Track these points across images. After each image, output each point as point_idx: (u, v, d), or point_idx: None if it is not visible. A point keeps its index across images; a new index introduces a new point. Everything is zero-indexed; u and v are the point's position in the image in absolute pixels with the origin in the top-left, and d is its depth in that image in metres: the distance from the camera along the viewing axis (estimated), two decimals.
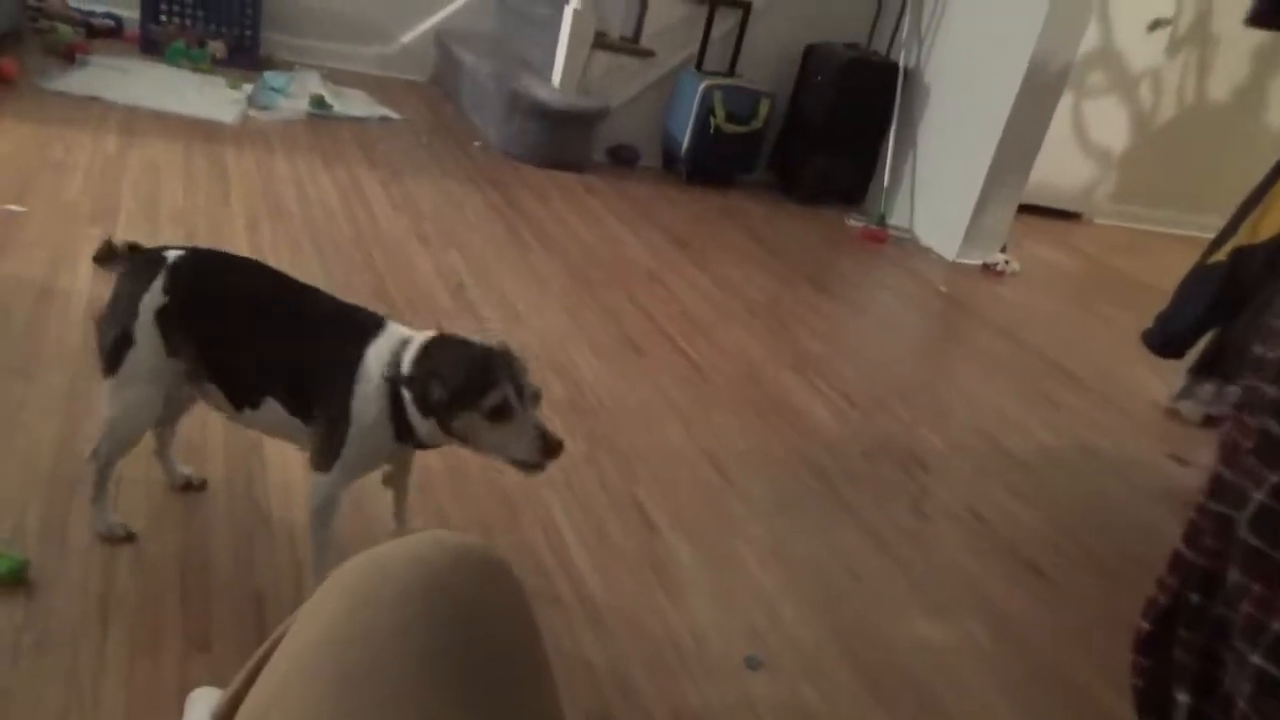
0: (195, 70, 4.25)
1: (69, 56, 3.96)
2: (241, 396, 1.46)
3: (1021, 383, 3.17)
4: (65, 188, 2.82)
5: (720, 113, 4.38)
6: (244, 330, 1.43)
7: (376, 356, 1.36)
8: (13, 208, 2.60)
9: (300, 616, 0.67)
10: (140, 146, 3.27)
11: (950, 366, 3.36)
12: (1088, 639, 1.89)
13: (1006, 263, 4.30)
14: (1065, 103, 4.77)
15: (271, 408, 1.43)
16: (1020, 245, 4.58)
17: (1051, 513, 2.34)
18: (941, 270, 4.18)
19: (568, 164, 4.25)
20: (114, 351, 1.43)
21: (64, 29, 4.13)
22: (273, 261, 2.63)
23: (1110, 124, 5.52)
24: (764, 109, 4.49)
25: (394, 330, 1.40)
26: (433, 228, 3.23)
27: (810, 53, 4.65)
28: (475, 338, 1.41)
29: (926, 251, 4.37)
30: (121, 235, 2.46)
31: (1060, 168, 5.31)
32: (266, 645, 0.69)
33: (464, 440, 1.34)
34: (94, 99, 3.62)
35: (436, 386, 1.30)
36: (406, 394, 1.33)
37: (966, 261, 4.29)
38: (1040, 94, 4.11)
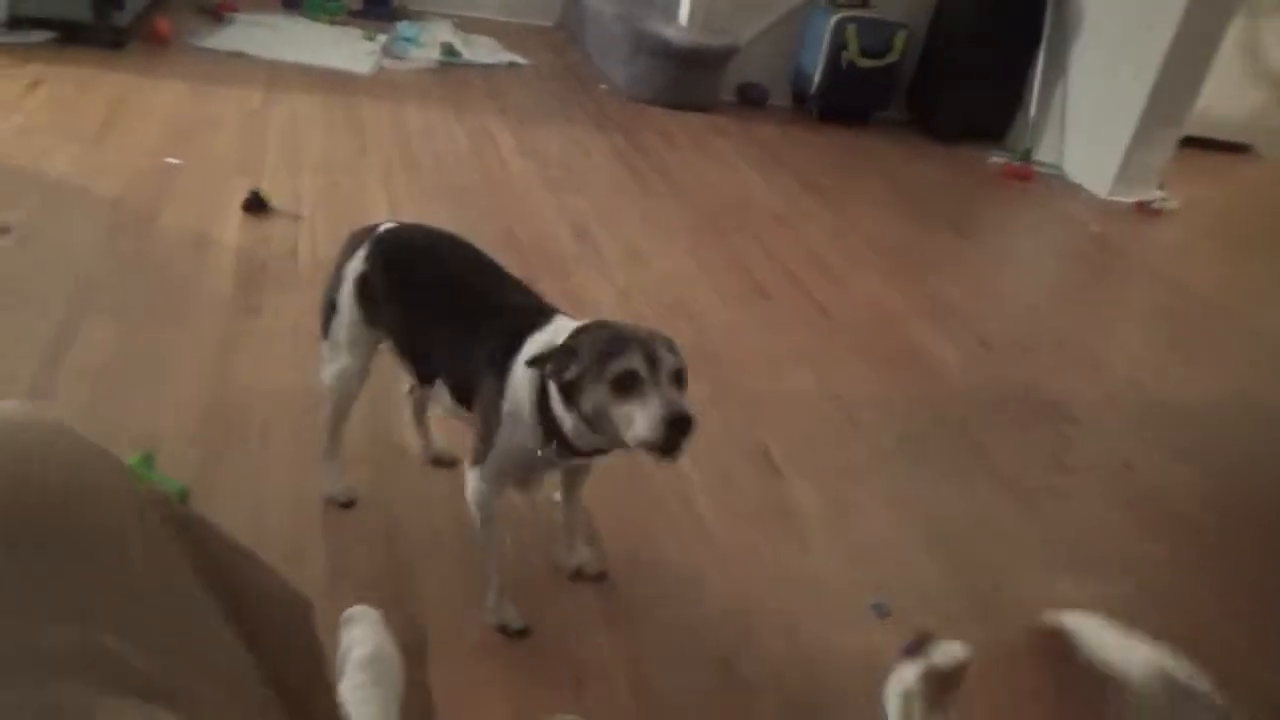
0: (332, 22, 4.37)
1: (216, 15, 4.14)
2: (422, 373, 1.45)
3: (1179, 330, 2.95)
4: (215, 141, 2.96)
5: (853, 46, 4.20)
6: (423, 308, 1.41)
7: (532, 348, 1.28)
8: (172, 160, 2.75)
9: None
10: (282, 100, 3.40)
11: (1101, 312, 3.16)
12: (1243, 605, 1.77)
13: (1164, 200, 3.99)
14: (1237, 24, 4.34)
15: (441, 391, 1.41)
16: (1180, 182, 4.24)
17: (1210, 469, 2.19)
18: (1092, 209, 3.92)
19: (694, 105, 4.18)
20: (324, 316, 1.48)
21: None
22: (406, 210, 2.72)
23: None
24: (900, 41, 4.28)
25: (559, 323, 1.31)
26: (559, 173, 3.24)
27: None
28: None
29: (1076, 189, 4.11)
30: (267, 187, 2.58)
31: (1228, 96, 4.84)
32: None
33: (595, 425, 1.22)
34: (239, 54, 3.77)
35: (570, 362, 1.21)
36: (552, 386, 1.24)
37: (1120, 200, 4.01)
38: (1210, 14, 3.75)
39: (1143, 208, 3.97)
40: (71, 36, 3.48)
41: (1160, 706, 0.55)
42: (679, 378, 1.19)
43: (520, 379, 1.28)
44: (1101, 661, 0.57)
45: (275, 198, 2.56)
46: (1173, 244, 3.73)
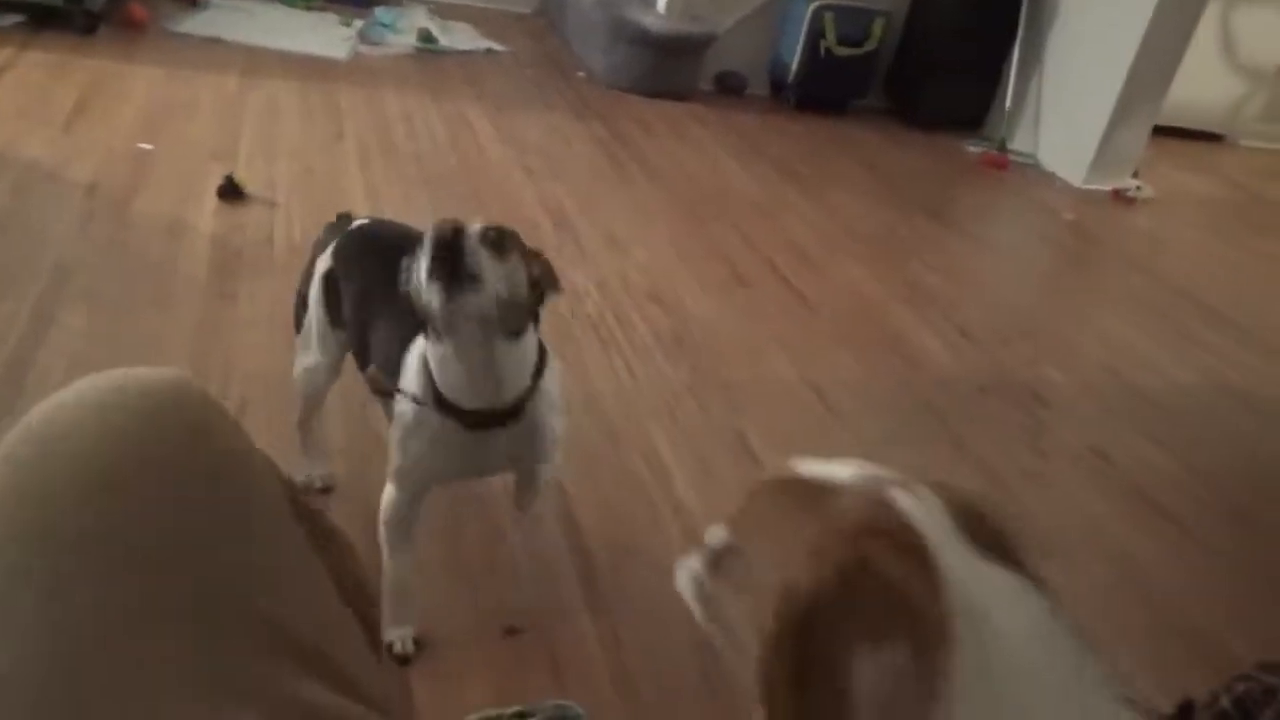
0: (309, 8, 4.32)
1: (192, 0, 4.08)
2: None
3: (1154, 317, 2.99)
4: (190, 126, 2.92)
5: (831, 35, 4.20)
6: (372, 308, 1.31)
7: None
8: (144, 145, 2.71)
9: None
10: (258, 85, 3.36)
11: (1076, 300, 3.19)
12: (1219, 588, 1.79)
13: (1139, 189, 4.03)
14: (1212, 12, 4.38)
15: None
16: (1155, 170, 4.29)
17: (1185, 455, 2.22)
18: (1068, 198, 3.96)
19: (673, 93, 4.17)
20: (296, 311, 1.45)
21: None
22: (383, 196, 2.70)
23: (1263, 37, 5.05)
24: (878, 29, 4.29)
25: None
26: (537, 160, 3.22)
27: None
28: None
29: (1051, 178, 4.14)
30: (242, 172, 2.55)
31: (1202, 85, 4.88)
32: None
33: (442, 340, 1.10)
34: (216, 40, 3.72)
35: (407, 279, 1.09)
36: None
37: (1095, 188, 4.05)
38: (1183, 2, 3.79)
39: (1118, 196, 4.01)
40: (43, 21, 3.42)
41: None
42: (490, 240, 1.08)
43: (411, 355, 1.18)
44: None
45: (250, 184, 2.53)
46: (1147, 232, 3.76)
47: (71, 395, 0.57)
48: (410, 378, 1.18)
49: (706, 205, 3.14)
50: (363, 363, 1.33)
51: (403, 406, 1.19)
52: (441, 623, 1.37)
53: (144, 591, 0.51)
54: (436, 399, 1.15)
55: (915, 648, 0.55)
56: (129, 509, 0.53)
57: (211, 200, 2.46)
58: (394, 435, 1.22)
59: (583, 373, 2.04)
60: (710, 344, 2.29)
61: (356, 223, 1.44)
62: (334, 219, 1.50)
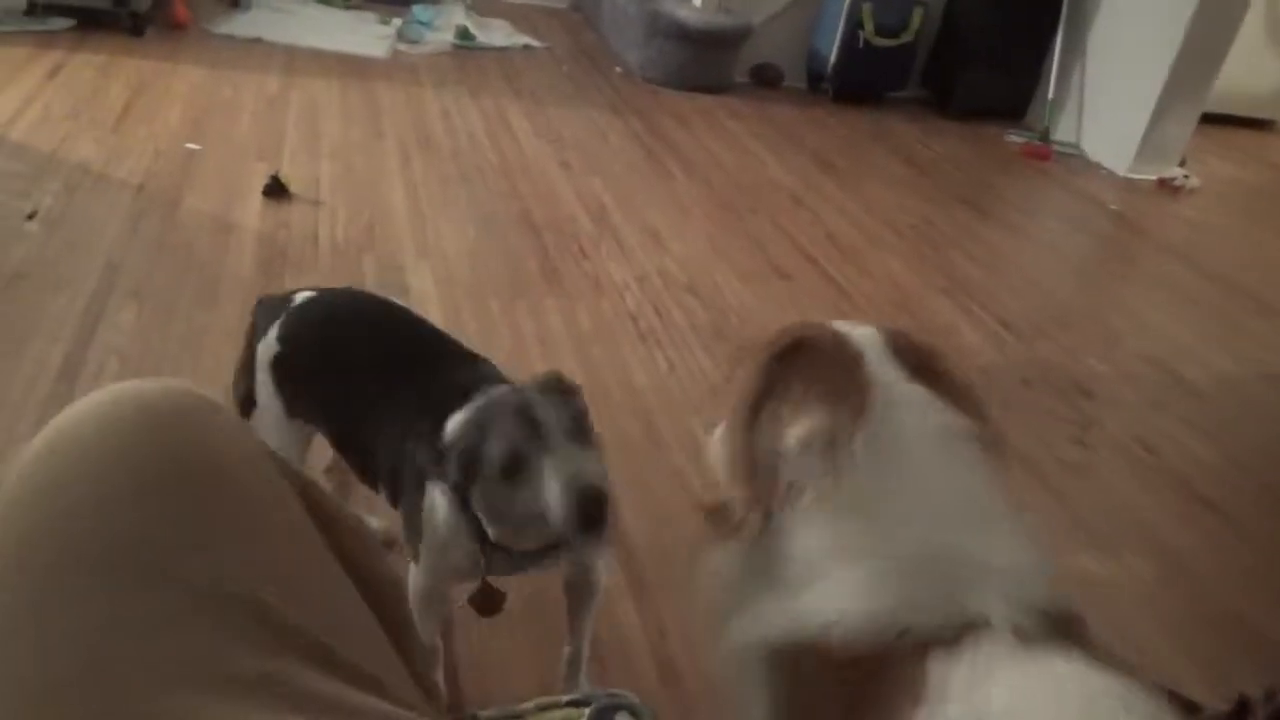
0: (347, 7, 4.38)
1: (233, 1, 4.15)
2: (364, 474, 1.21)
3: (1200, 308, 2.94)
4: (234, 126, 2.98)
5: (869, 25, 4.17)
6: (354, 394, 1.18)
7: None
8: (192, 146, 2.77)
9: None
10: (300, 85, 3.41)
11: (1121, 291, 3.15)
12: (1263, 580, 1.77)
13: (1185, 178, 3.96)
14: None
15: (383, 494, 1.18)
16: (1201, 159, 4.21)
17: (1230, 447, 2.18)
18: (1112, 187, 3.90)
19: (709, 86, 4.16)
20: (239, 408, 1.27)
21: None
22: (422, 194, 2.74)
23: None
24: (917, 19, 4.25)
25: (486, 395, 1.04)
26: (575, 155, 3.24)
27: None
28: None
29: (1095, 167, 4.08)
30: (285, 171, 2.60)
31: (1251, 71, 4.78)
32: None
33: (515, 528, 1.02)
34: (257, 40, 3.79)
35: (451, 460, 0.99)
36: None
37: (1140, 177, 3.98)
38: None
39: (1163, 185, 3.94)
40: (91, 23, 3.50)
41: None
42: (579, 428, 0.98)
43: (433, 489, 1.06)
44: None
45: (294, 183, 2.58)
46: (1193, 222, 3.69)
47: (73, 414, 0.60)
48: (443, 518, 1.05)
49: (743, 198, 3.14)
50: (361, 466, 1.21)
51: (435, 505, 1.06)
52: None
53: (147, 596, 0.54)
54: (480, 537, 1.04)
55: (833, 415, 0.74)
56: (130, 518, 0.55)
57: (257, 199, 2.50)
58: (425, 531, 1.08)
59: (622, 366, 2.06)
60: (750, 336, 2.29)
61: (300, 296, 1.25)
62: (258, 301, 1.32)
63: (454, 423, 1.02)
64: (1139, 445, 2.13)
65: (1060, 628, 0.69)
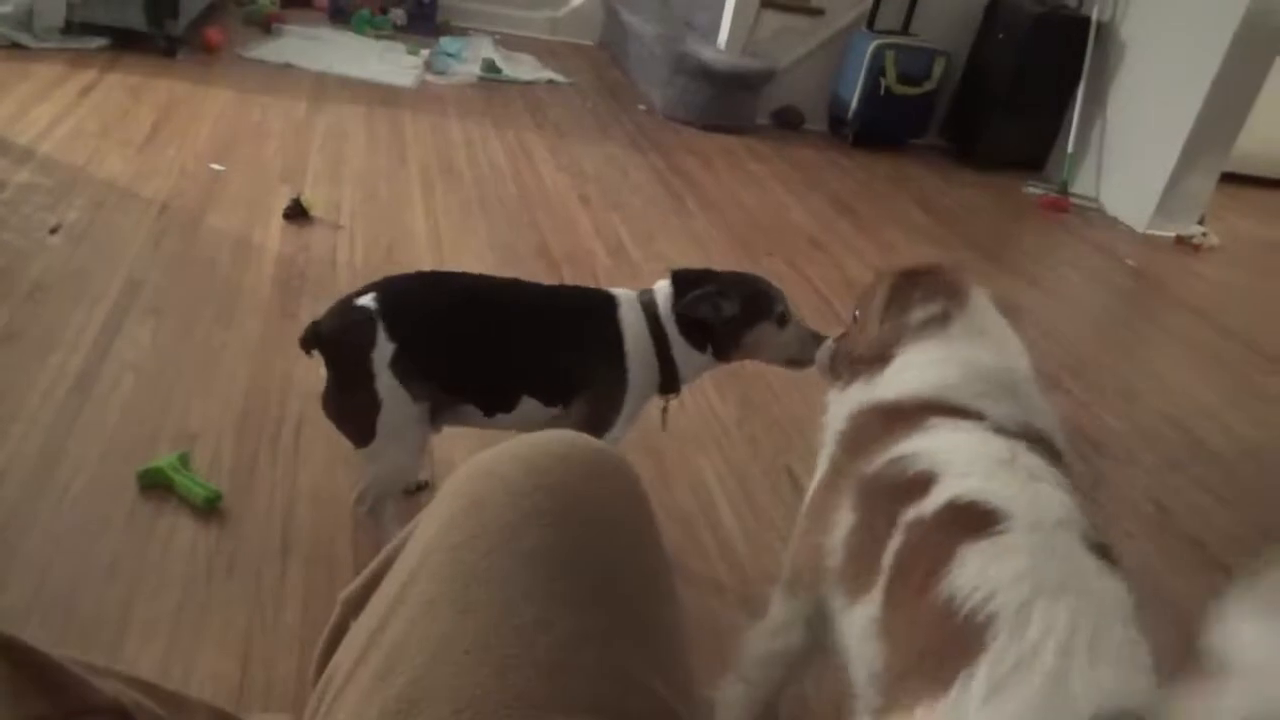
0: (378, 37, 4.45)
1: (266, 26, 4.22)
2: (496, 405, 1.45)
3: (1220, 369, 2.91)
4: (260, 149, 3.01)
5: (892, 73, 4.20)
6: (484, 345, 1.41)
7: (631, 315, 1.47)
8: (215, 166, 2.80)
9: (421, 520, 0.70)
10: (327, 111, 3.46)
11: (1137, 348, 3.13)
12: None
13: (1204, 235, 3.95)
14: None
15: (528, 406, 1.44)
16: (1222, 216, 4.20)
17: (1249, 512, 2.15)
18: (1130, 243, 3.89)
19: (731, 127, 4.20)
20: (364, 420, 1.38)
21: (263, 0, 4.40)
22: (442, 221, 2.76)
23: None
24: (939, 69, 4.28)
25: (622, 293, 1.51)
26: (595, 189, 3.26)
27: (994, 7, 4.39)
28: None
29: (1114, 222, 4.08)
30: (309, 195, 2.62)
31: (1272, 131, 4.78)
32: (395, 543, 0.72)
33: (751, 352, 1.51)
34: (288, 66, 3.84)
35: (727, 304, 1.45)
36: (674, 333, 1.47)
37: (1159, 234, 3.97)
38: (1255, 49, 3.73)
39: (1182, 243, 3.93)
40: (126, 43, 3.57)
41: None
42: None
43: (637, 336, 1.46)
44: None
45: (316, 206, 2.60)
46: (1212, 280, 3.68)
47: (540, 443, 0.72)
48: (648, 358, 1.49)
49: (762, 238, 3.15)
50: (490, 401, 1.45)
51: (640, 378, 1.49)
52: None
53: (570, 589, 0.63)
54: (666, 375, 1.54)
55: (944, 307, 1.16)
56: (575, 537, 0.66)
57: (278, 221, 2.53)
58: (629, 397, 1.48)
59: None
60: (761, 379, 2.28)
61: (367, 299, 1.37)
62: (318, 317, 1.42)
63: (655, 292, 1.50)
64: (1152, 505, 2.10)
65: (1035, 444, 1.00)
